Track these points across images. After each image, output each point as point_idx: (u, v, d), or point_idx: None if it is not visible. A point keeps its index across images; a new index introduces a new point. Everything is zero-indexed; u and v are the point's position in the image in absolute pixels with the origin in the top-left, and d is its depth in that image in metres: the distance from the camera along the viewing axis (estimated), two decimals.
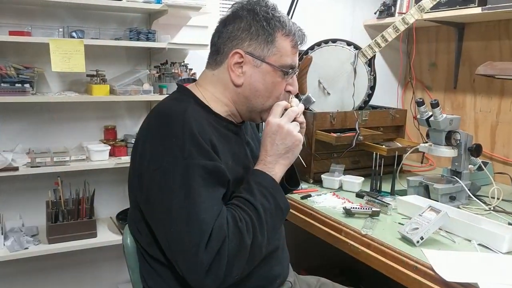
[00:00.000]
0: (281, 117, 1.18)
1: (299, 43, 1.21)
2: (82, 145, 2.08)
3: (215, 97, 1.21)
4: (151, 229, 1.14)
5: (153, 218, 1.10)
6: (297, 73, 1.25)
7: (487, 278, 1.19)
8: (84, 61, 1.87)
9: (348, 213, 1.67)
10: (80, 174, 2.03)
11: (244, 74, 1.18)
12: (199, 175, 1.04)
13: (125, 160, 2.02)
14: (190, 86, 1.24)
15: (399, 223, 1.61)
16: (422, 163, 2.35)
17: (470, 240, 1.45)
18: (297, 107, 1.23)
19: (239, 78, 1.18)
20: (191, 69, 2.18)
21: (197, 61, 2.26)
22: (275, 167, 1.16)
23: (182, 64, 2.16)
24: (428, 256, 1.32)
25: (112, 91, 2.00)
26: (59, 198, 1.95)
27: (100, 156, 1.99)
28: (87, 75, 2.02)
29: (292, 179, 1.34)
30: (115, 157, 2.06)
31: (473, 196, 1.80)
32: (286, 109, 1.20)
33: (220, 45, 1.18)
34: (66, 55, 1.83)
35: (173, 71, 2.09)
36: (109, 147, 2.03)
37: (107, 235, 2.03)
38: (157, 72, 2.12)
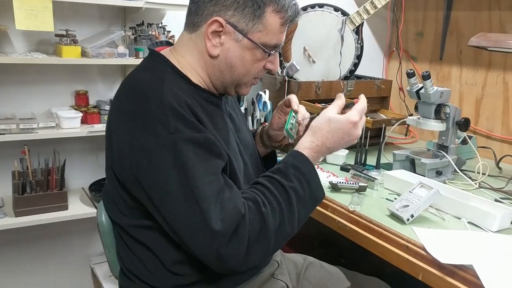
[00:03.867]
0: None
1: (290, 20, 1.07)
2: (51, 111, 1.93)
3: (191, 67, 1.09)
4: (138, 211, 1.05)
5: (149, 204, 0.99)
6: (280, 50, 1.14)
7: (481, 259, 1.16)
8: (52, 19, 1.70)
9: (335, 187, 1.61)
10: (49, 142, 1.89)
11: (221, 45, 1.05)
12: (190, 150, 0.94)
13: (98, 128, 1.89)
14: (165, 52, 1.11)
15: (386, 199, 1.56)
16: (406, 135, 2.31)
17: (459, 218, 1.42)
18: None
19: (214, 49, 1.05)
20: (169, 32, 2.04)
21: (175, 23, 2.11)
22: (320, 157, 1.11)
23: (160, 25, 2.01)
24: (419, 235, 1.28)
25: (84, 53, 1.84)
26: (26, 168, 1.81)
27: (71, 123, 1.85)
28: (56, 35, 1.85)
29: None
30: (87, 124, 1.92)
31: (460, 172, 1.77)
32: None
33: (200, 5, 1.05)
34: (32, 12, 1.66)
35: (150, 33, 1.95)
36: (81, 114, 1.89)
37: (79, 208, 1.92)
38: (133, 34, 1.97)
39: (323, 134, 1.10)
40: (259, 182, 1.05)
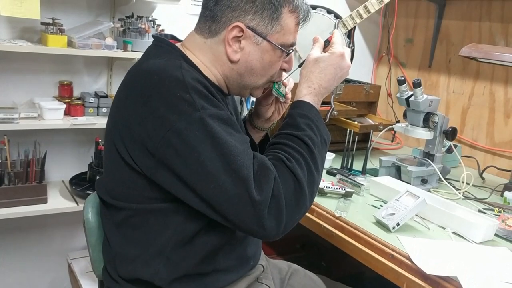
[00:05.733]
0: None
1: (303, 19, 1.10)
2: (33, 101, 1.87)
3: (204, 65, 1.09)
4: (153, 197, 1.03)
5: (179, 187, 0.97)
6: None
7: (466, 271, 1.16)
8: (39, 6, 1.65)
9: (321, 192, 1.60)
10: (30, 133, 1.84)
11: (241, 50, 1.06)
12: (217, 124, 0.94)
13: (82, 120, 1.84)
14: (176, 45, 1.11)
15: (372, 205, 1.56)
16: (392, 141, 2.31)
17: (444, 228, 1.42)
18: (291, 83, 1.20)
19: (235, 54, 1.06)
20: (159, 25, 2.00)
21: (165, 16, 2.08)
22: (321, 100, 1.12)
23: (150, 19, 1.97)
24: (404, 244, 1.28)
25: (70, 43, 1.79)
26: (5, 159, 1.75)
27: (53, 114, 1.79)
28: (42, 23, 1.79)
29: None
30: (70, 116, 1.87)
31: (444, 181, 1.77)
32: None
33: (217, 13, 1.05)
34: None
35: (139, 25, 1.90)
36: (64, 105, 1.83)
37: (58, 201, 1.86)
38: (122, 26, 1.92)
39: (316, 75, 1.11)
40: (274, 142, 1.06)
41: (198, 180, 0.94)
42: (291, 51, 1.12)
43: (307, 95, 1.10)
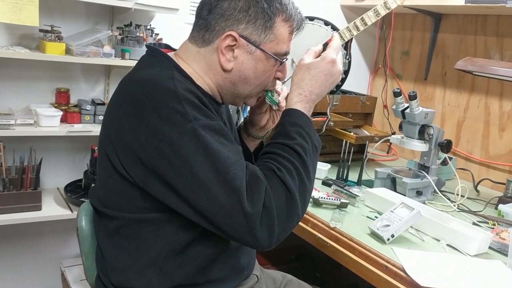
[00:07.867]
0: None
1: (296, 28, 1.10)
2: (30, 107, 1.87)
3: (198, 74, 1.09)
4: (145, 207, 1.03)
5: (172, 197, 0.97)
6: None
7: (459, 283, 1.16)
8: (38, 14, 1.65)
9: (316, 202, 1.60)
10: (26, 140, 1.83)
11: (235, 59, 1.06)
12: (209, 135, 0.94)
13: (78, 128, 1.84)
14: (169, 54, 1.11)
15: (367, 217, 1.56)
16: (388, 153, 2.32)
17: (439, 240, 1.42)
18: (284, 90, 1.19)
19: (228, 63, 1.06)
20: (157, 34, 2.01)
21: (163, 25, 2.09)
22: (312, 106, 1.12)
23: (148, 28, 1.98)
24: (399, 256, 1.28)
25: (68, 51, 1.79)
26: (0, 165, 1.75)
27: (50, 121, 1.79)
28: (40, 30, 1.80)
29: None
30: (67, 123, 1.86)
31: (439, 193, 1.78)
32: None
33: (211, 22, 1.05)
34: (17, 5, 1.61)
35: (138, 34, 1.91)
36: (61, 113, 1.83)
37: (53, 208, 1.85)
38: (120, 34, 1.93)
39: (307, 82, 1.11)
40: (266, 152, 1.06)
41: (191, 191, 0.94)
42: (284, 60, 1.12)
43: (298, 103, 1.11)
